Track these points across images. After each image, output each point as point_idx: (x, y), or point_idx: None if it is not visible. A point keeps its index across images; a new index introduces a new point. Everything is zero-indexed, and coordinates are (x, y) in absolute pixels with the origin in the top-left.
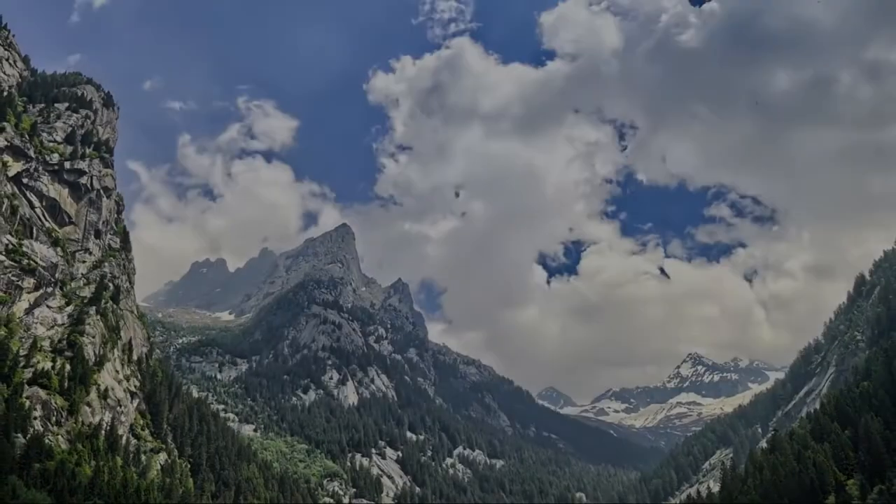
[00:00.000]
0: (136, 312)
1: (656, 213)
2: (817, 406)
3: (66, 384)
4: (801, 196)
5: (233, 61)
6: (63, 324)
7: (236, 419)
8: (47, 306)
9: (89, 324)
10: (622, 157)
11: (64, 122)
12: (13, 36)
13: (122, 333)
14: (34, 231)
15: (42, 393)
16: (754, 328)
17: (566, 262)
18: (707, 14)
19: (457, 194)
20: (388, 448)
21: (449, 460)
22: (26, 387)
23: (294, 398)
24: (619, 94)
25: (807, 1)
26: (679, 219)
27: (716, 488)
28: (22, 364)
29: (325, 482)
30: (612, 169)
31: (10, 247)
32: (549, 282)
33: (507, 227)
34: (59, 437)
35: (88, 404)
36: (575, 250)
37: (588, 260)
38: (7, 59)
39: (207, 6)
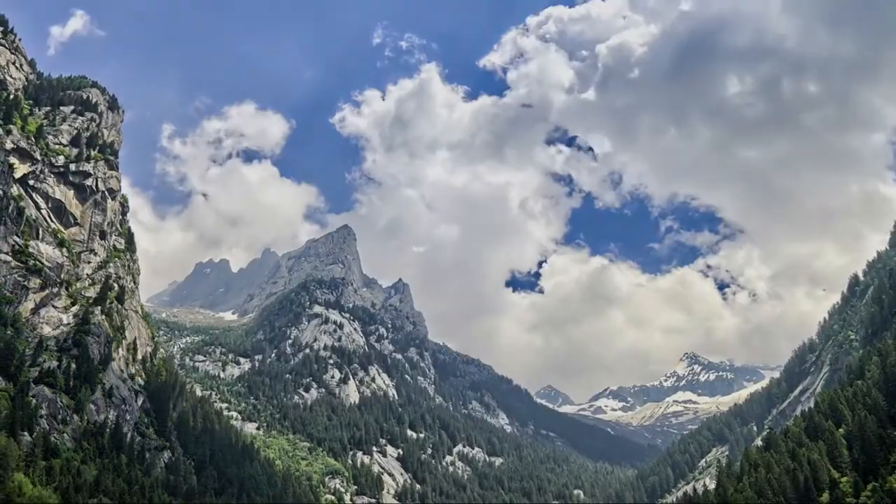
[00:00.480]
0: (140, 312)
1: (620, 230)
2: (812, 405)
3: (71, 383)
4: (759, 205)
5: (204, 79)
6: (69, 323)
7: (239, 417)
8: (53, 306)
9: (94, 323)
10: (586, 179)
11: (69, 125)
12: (19, 40)
13: (126, 333)
14: (40, 232)
15: (48, 391)
16: (719, 334)
17: (533, 280)
18: (656, 33)
19: (428, 206)
20: (388, 446)
21: (449, 458)
22: (32, 385)
23: (296, 397)
24: (578, 119)
25: (758, 14)
26: (643, 233)
27: (712, 486)
28: (28, 363)
29: (326, 480)
30: (576, 190)
31: (17, 248)
32: (517, 298)
33: (477, 249)
34: (65, 435)
35: (94, 403)
36: (541, 268)
37: (555, 277)
38: (13, 63)
39: (178, 31)
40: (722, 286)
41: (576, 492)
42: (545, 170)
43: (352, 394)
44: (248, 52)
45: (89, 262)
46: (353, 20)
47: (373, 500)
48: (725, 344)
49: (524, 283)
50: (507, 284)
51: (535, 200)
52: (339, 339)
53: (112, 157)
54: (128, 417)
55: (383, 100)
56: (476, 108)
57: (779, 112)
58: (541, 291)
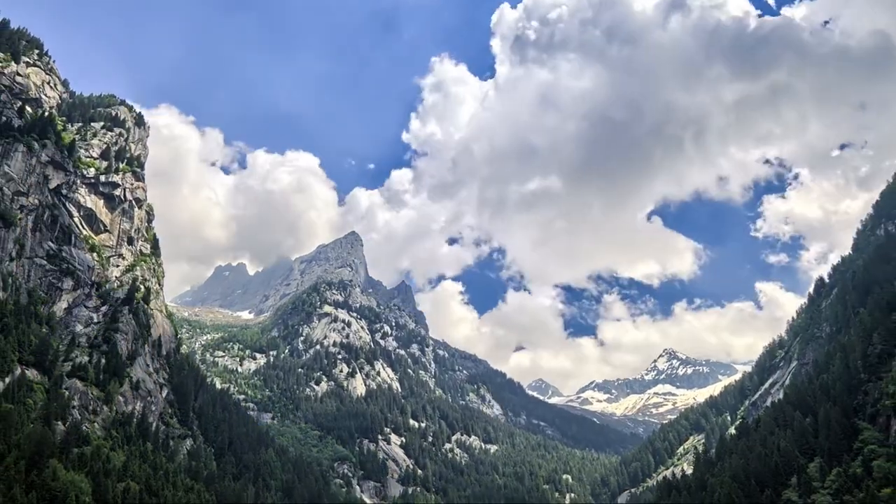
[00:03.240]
0: (164, 312)
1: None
2: (781, 396)
3: (101, 376)
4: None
5: None
6: (99, 322)
7: (255, 408)
8: (84, 306)
9: (122, 322)
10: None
11: (99, 140)
12: (54, 62)
13: (152, 331)
14: (73, 238)
15: (80, 384)
16: None
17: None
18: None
19: None
20: (392, 434)
21: (448, 445)
22: (66, 379)
23: (308, 389)
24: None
25: None
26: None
27: (689, 470)
28: (62, 358)
29: (335, 465)
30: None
31: (51, 252)
32: None
33: None
34: (96, 424)
35: (122, 395)
36: None
37: None
38: (48, 83)
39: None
40: None
41: (564, 476)
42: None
43: (359, 386)
44: None
45: (118, 266)
46: None
47: (378, 484)
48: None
49: None
50: None
51: None
52: (347, 337)
53: (139, 170)
54: (153, 408)
55: None
56: None
57: None
58: None
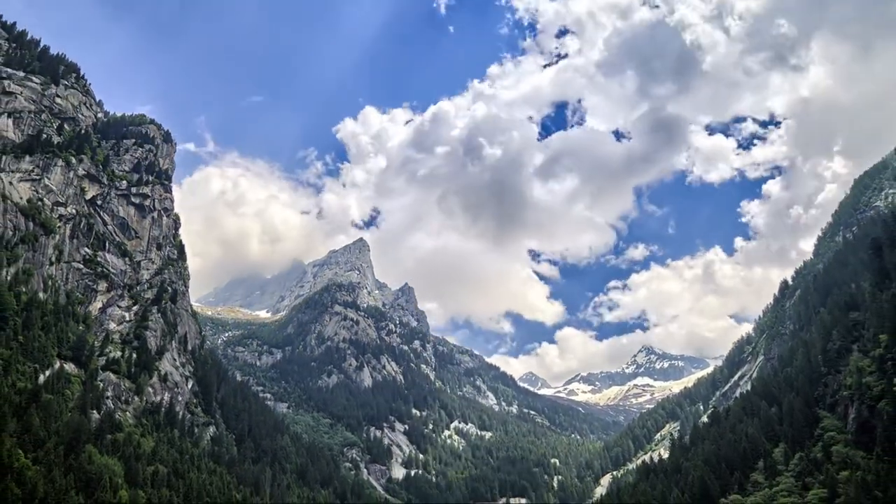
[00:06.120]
0: (190, 311)
1: None
2: (749, 388)
3: (132, 370)
4: None
5: None
6: (130, 320)
7: (272, 398)
8: (117, 306)
9: (152, 320)
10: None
11: (131, 155)
12: (89, 84)
13: (178, 328)
14: (107, 244)
15: (113, 377)
16: None
17: None
18: None
19: None
20: (397, 422)
21: (447, 432)
22: (100, 372)
23: (320, 381)
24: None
25: None
26: None
27: (665, 455)
28: (97, 353)
29: (345, 450)
30: None
31: (87, 257)
32: None
33: None
34: (127, 413)
35: (151, 386)
36: None
37: None
38: (85, 104)
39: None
40: None
41: (552, 460)
42: None
43: (366, 379)
44: None
45: (148, 269)
46: None
47: (384, 468)
48: None
49: None
50: None
51: None
52: (356, 334)
53: (166, 182)
54: (180, 398)
55: None
56: None
57: None
58: None
